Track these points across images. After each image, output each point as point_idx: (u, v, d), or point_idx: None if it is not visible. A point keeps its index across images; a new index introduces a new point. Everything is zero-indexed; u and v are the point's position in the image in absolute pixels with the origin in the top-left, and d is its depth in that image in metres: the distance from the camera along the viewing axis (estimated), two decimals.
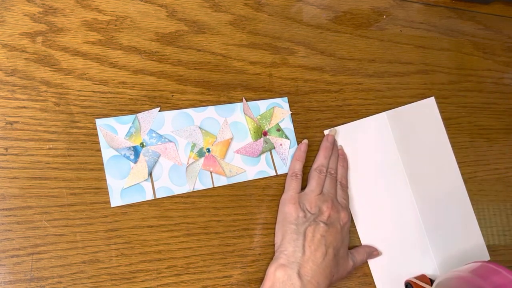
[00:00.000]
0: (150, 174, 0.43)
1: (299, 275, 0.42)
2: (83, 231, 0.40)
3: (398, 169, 0.56)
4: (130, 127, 0.43)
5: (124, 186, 0.42)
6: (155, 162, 0.43)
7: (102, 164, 0.41)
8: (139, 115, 0.43)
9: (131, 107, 0.44)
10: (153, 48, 0.46)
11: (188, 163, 0.45)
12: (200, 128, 0.46)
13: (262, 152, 0.48)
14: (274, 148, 0.49)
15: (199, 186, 0.45)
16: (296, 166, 0.49)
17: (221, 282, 0.44)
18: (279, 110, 0.50)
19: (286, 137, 0.50)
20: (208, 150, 0.46)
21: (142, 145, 0.43)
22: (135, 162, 0.43)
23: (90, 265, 0.39)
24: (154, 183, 0.43)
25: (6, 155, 0.39)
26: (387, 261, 0.52)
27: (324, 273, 0.44)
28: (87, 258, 0.39)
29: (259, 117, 0.49)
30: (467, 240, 0.58)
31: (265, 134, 0.49)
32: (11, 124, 0.39)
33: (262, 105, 0.50)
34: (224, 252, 0.45)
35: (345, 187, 0.51)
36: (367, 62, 0.58)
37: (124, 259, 0.41)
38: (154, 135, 0.44)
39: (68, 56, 0.42)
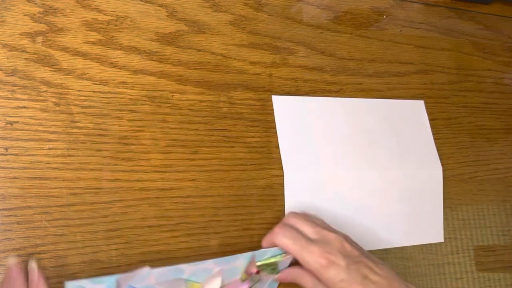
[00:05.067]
0: None
1: None
2: (83, 231, 0.40)
3: None
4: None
5: None
6: None
7: (102, 164, 0.41)
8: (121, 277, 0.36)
9: (132, 107, 0.44)
10: (153, 48, 0.46)
11: None
12: (185, 280, 0.39)
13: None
14: (260, 280, 0.44)
15: None
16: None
17: None
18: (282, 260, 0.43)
19: (277, 273, 0.44)
20: None
21: None
22: None
23: (90, 265, 0.39)
24: None
25: (6, 155, 0.39)
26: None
27: None
28: (87, 258, 0.39)
29: (260, 263, 0.43)
30: None
31: (257, 272, 0.43)
32: (11, 124, 0.39)
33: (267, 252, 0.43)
34: (224, 252, 0.45)
35: None
36: (367, 62, 0.58)
37: (124, 259, 0.41)
38: None
39: (68, 56, 0.42)
